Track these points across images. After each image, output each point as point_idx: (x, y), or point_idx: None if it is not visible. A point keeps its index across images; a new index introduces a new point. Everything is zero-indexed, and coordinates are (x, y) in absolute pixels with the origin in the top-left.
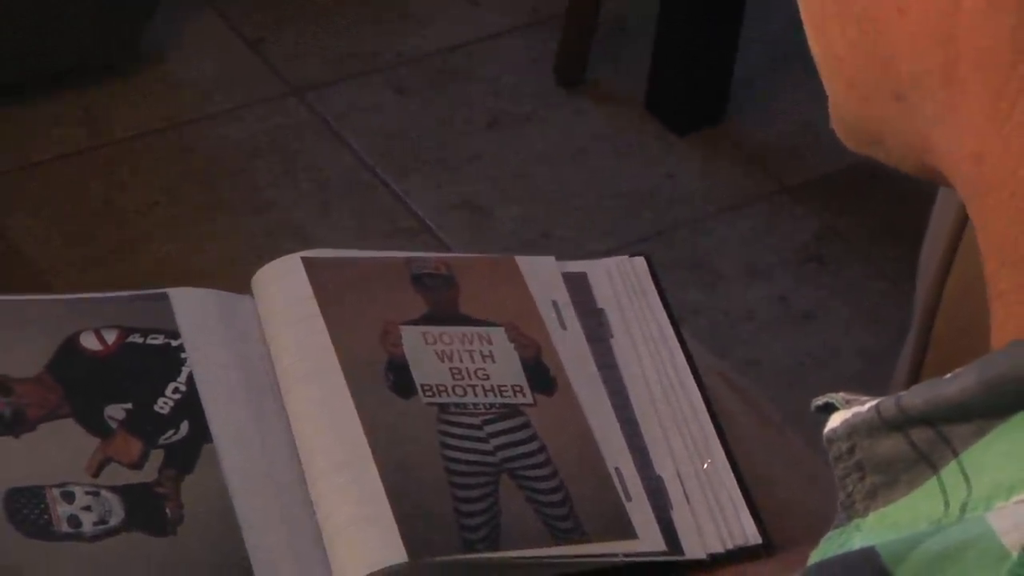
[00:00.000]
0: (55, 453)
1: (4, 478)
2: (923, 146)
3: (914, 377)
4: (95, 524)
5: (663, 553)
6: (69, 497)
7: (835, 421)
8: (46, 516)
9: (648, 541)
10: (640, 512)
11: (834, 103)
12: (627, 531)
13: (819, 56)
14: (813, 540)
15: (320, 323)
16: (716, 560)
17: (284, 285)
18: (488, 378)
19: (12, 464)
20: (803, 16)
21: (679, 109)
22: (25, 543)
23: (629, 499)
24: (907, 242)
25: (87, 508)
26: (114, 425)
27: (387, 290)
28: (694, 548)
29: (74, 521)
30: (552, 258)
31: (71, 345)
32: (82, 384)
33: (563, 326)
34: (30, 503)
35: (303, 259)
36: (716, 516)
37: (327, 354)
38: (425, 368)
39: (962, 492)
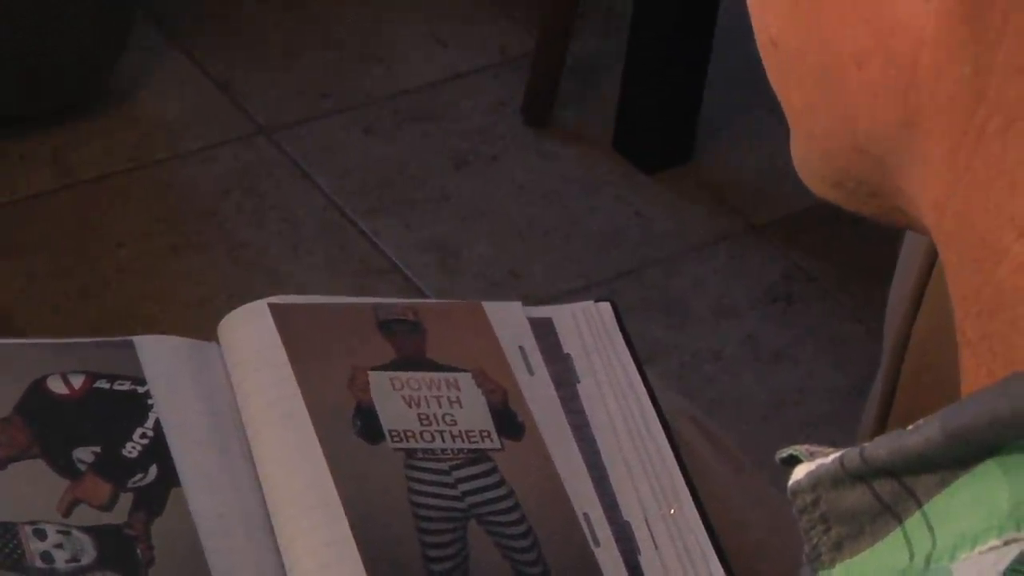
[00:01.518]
0: (25, 492)
1: None
2: (890, 192)
3: (883, 417)
4: (67, 562)
5: None
6: (41, 535)
7: (799, 473)
8: (19, 551)
9: None
10: (608, 557)
11: (795, 149)
12: None
13: (782, 105)
14: None
15: (287, 369)
16: None
17: (251, 331)
18: (455, 423)
19: None
20: (765, 67)
21: (647, 148)
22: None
23: (598, 544)
24: (875, 281)
25: (59, 546)
26: (83, 467)
27: (354, 336)
28: None
29: (47, 558)
30: (519, 303)
31: (38, 388)
32: (50, 426)
33: (530, 371)
34: (3, 538)
35: (270, 305)
36: (684, 562)
37: (295, 400)
38: (392, 414)
39: (927, 543)
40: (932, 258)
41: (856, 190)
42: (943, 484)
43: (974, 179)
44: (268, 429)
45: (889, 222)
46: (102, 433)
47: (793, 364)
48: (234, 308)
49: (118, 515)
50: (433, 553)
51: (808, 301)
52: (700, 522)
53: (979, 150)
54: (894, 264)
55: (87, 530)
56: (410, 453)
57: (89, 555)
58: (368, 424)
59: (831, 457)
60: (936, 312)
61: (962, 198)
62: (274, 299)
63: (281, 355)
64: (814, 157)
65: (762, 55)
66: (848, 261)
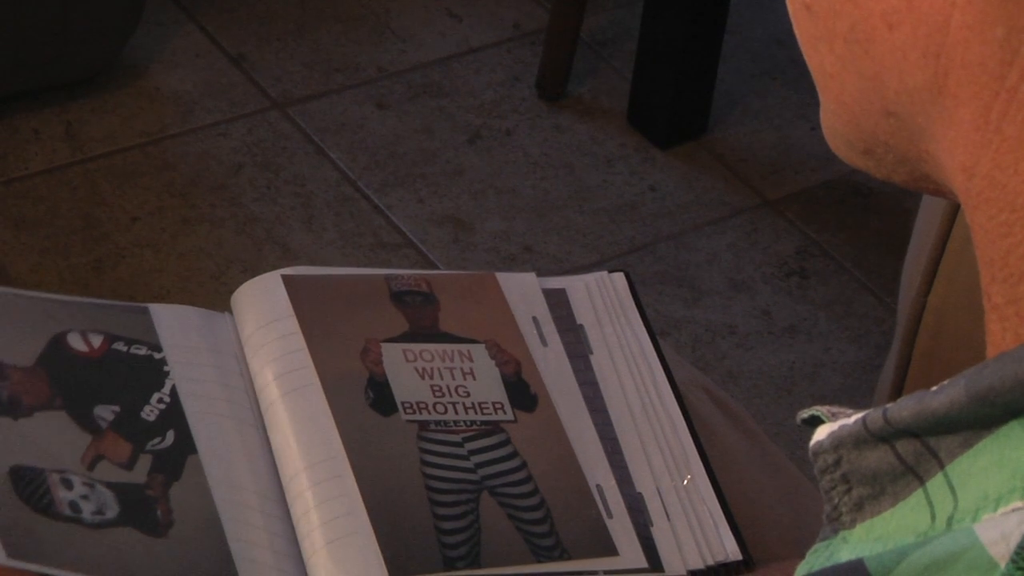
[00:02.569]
0: (52, 441)
1: (6, 455)
2: (918, 157)
3: (897, 389)
4: (93, 514)
5: (644, 570)
6: (68, 484)
7: (821, 433)
8: (48, 496)
9: (629, 558)
10: (621, 529)
11: (825, 116)
12: (608, 548)
13: (812, 72)
14: (792, 554)
15: (300, 340)
16: (705, 574)
17: (264, 303)
18: (468, 395)
19: (12, 444)
20: (796, 33)
21: (661, 123)
22: (33, 516)
23: (610, 516)
24: (889, 256)
25: (85, 498)
26: (103, 424)
27: (367, 307)
28: (674, 564)
29: (75, 507)
30: (533, 274)
31: (59, 343)
32: (71, 381)
33: (543, 342)
34: (34, 482)
35: (283, 277)
36: (696, 532)
37: (307, 372)
38: (405, 385)
39: (948, 504)
40: (946, 231)
41: (885, 157)
42: (966, 445)
43: (1004, 142)
44: (280, 401)
45: (918, 189)
46: (121, 393)
47: (807, 338)
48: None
49: (138, 474)
50: (445, 525)
51: (822, 275)
52: (712, 492)
53: (1010, 113)
54: (908, 238)
55: (110, 486)
56: (423, 425)
57: (112, 510)
58: (380, 396)
59: (853, 418)
60: (950, 284)
61: (992, 161)
62: (287, 270)
63: (294, 326)
64: (844, 123)
65: (794, 21)
66: (862, 236)
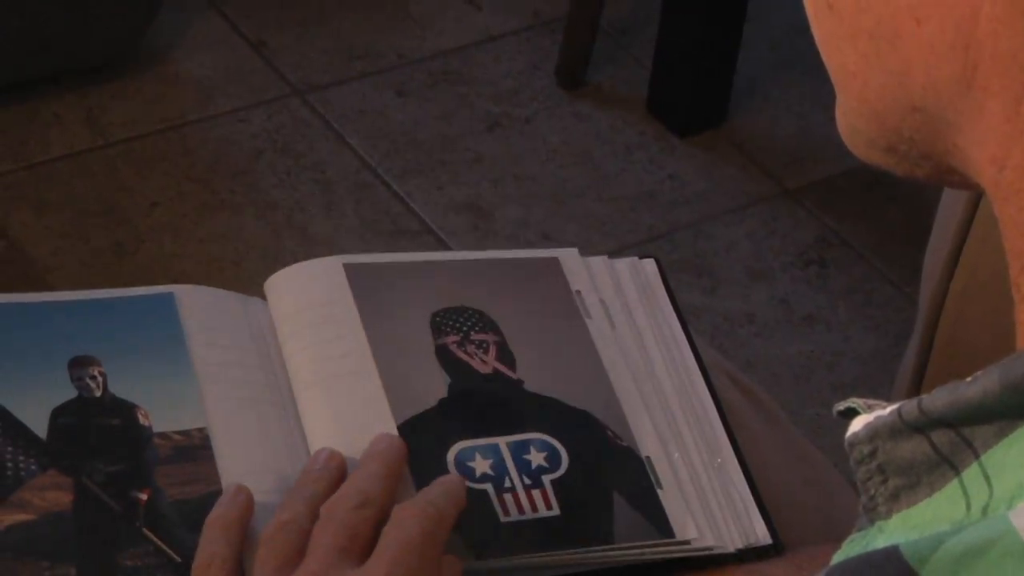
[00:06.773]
0: None
1: None
2: (944, 151)
3: (917, 380)
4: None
5: (695, 549)
6: None
7: (857, 425)
8: None
9: (681, 530)
10: (673, 501)
11: (844, 115)
12: (663, 527)
13: (832, 71)
14: (817, 540)
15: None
16: (738, 556)
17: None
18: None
19: None
20: (814, 32)
21: (681, 111)
22: None
23: (660, 486)
24: (909, 245)
25: None
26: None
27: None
28: (723, 540)
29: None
30: (575, 251)
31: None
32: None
33: (588, 315)
34: None
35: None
36: (728, 511)
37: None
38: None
39: (984, 494)
40: (969, 221)
41: (908, 153)
42: (1001, 435)
43: None
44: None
45: (941, 183)
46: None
47: (826, 327)
48: (266, 268)
49: None
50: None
51: (841, 265)
52: (743, 477)
53: None
54: (928, 228)
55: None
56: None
57: None
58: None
59: (889, 409)
60: (972, 271)
61: (1022, 152)
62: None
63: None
64: (866, 121)
65: (814, 20)
66: (881, 225)
